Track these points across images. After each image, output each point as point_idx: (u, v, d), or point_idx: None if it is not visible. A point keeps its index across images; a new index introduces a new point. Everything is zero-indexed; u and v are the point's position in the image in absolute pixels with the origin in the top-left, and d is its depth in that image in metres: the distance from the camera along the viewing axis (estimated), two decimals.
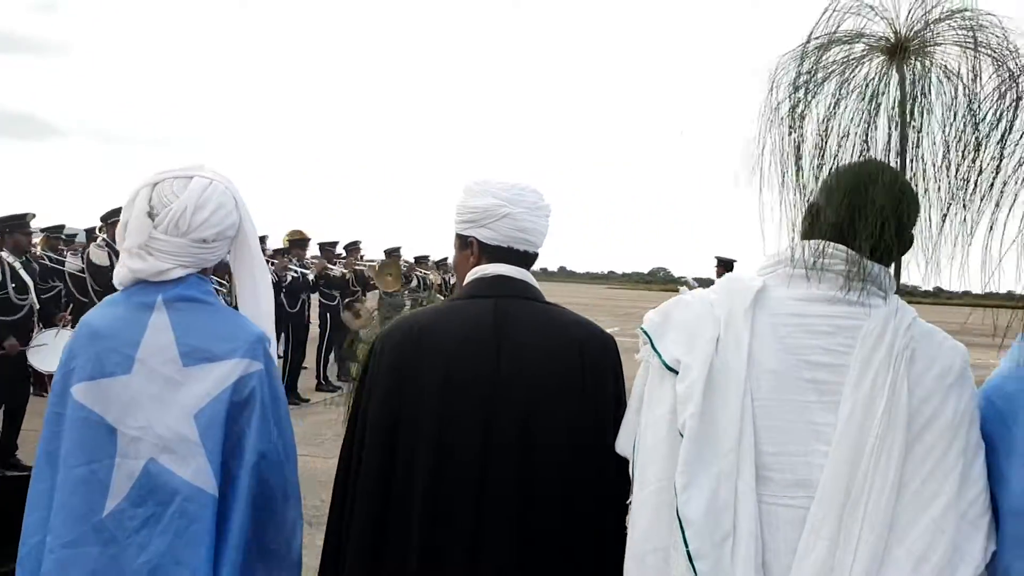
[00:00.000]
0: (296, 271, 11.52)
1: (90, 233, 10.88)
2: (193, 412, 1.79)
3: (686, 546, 1.62)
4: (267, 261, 11.49)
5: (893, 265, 1.81)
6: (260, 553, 1.85)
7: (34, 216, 8.26)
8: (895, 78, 1.63)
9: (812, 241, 1.73)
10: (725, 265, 11.46)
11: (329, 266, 12.54)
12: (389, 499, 1.91)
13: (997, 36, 1.61)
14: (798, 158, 1.68)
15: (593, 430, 1.91)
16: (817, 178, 1.70)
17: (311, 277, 11.94)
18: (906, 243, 1.76)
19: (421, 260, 18.09)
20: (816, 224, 1.75)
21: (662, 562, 1.66)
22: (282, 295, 10.66)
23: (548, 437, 1.91)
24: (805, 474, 1.64)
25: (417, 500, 1.88)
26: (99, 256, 8.37)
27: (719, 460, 1.65)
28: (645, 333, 1.78)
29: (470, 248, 2.04)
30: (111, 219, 8.57)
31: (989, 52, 1.60)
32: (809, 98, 1.66)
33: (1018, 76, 1.57)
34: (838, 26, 1.62)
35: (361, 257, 14.50)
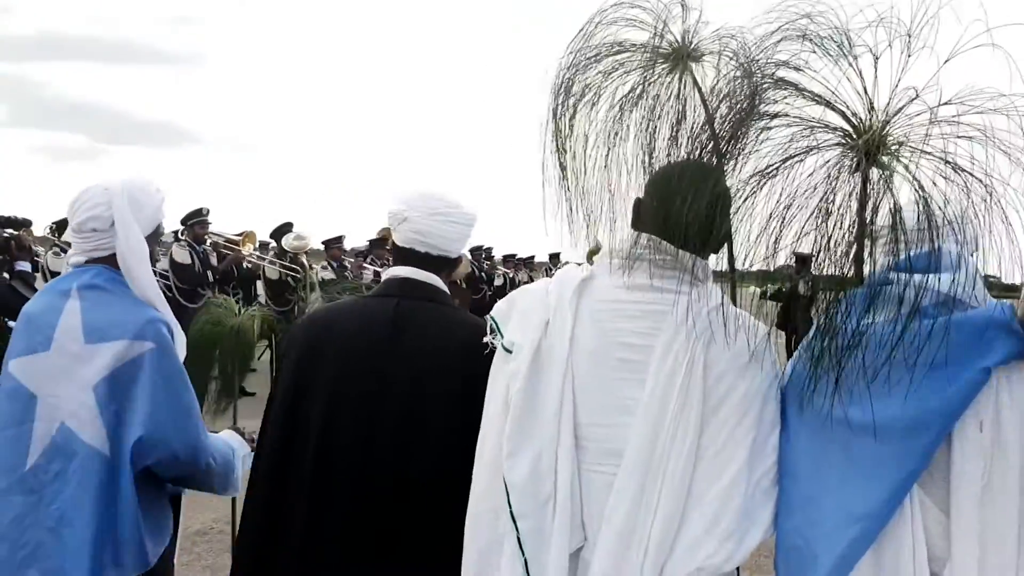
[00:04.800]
0: (371, 270, 12.02)
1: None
2: (93, 383, 2.13)
3: (510, 507, 1.82)
4: (345, 261, 12.03)
5: (726, 254, 1.94)
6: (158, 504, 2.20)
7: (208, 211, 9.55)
8: (684, 83, 1.80)
9: (633, 233, 1.89)
10: None
11: None
12: (287, 476, 2.13)
13: (738, 41, 1.78)
14: (564, 158, 1.86)
15: (466, 428, 2.01)
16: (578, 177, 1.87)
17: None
18: (723, 235, 1.88)
19: (508, 259, 18.43)
20: (640, 218, 1.91)
21: (493, 520, 1.86)
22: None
23: (424, 432, 2.10)
24: (615, 444, 1.80)
25: (306, 480, 2.11)
26: (181, 255, 9.03)
27: (541, 431, 1.83)
28: (493, 320, 1.99)
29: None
30: (191, 220, 9.25)
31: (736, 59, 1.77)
32: (576, 104, 1.84)
33: (751, 74, 1.72)
34: (601, 37, 1.80)
35: None
